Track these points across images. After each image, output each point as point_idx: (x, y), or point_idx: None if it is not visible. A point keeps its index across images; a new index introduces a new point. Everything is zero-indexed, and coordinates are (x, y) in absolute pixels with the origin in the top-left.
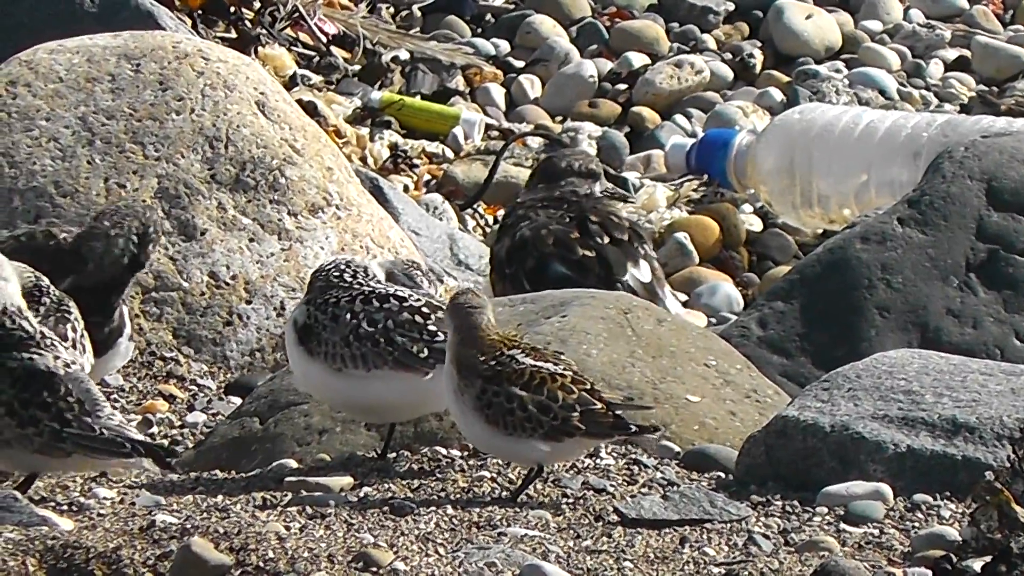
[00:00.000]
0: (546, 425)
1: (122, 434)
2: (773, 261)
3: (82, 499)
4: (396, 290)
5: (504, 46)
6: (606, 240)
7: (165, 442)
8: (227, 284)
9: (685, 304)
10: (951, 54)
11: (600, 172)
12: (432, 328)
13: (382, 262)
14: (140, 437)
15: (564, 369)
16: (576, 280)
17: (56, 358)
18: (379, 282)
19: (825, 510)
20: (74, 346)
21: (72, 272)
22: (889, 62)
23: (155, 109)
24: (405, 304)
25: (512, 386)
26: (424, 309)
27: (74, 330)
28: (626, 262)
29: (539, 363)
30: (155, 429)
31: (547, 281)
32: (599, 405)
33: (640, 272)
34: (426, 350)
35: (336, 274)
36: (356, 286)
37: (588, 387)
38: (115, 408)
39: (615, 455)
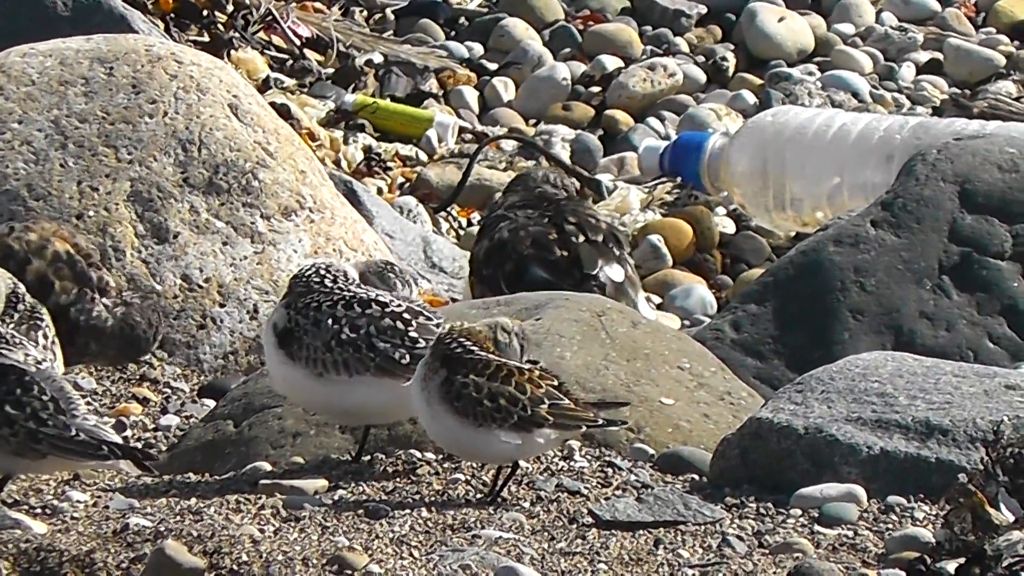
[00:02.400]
0: (515, 415)
1: (98, 435)
2: (747, 264)
3: (55, 502)
4: (378, 295)
5: (478, 49)
6: (580, 239)
7: (140, 444)
8: (200, 287)
9: (659, 307)
10: (923, 57)
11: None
12: (413, 334)
13: (356, 263)
14: (116, 438)
15: (530, 368)
16: (555, 284)
17: (26, 355)
18: (359, 286)
19: (799, 512)
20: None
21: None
22: (862, 65)
23: (128, 112)
24: (387, 309)
25: (478, 376)
26: (406, 315)
27: (45, 337)
28: (597, 258)
29: (502, 358)
30: (128, 432)
31: (525, 284)
32: (566, 401)
33: (612, 271)
34: (408, 356)
35: (317, 278)
36: (337, 291)
37: (555, 383)
38: (89, 408)
39: (589, 457)
